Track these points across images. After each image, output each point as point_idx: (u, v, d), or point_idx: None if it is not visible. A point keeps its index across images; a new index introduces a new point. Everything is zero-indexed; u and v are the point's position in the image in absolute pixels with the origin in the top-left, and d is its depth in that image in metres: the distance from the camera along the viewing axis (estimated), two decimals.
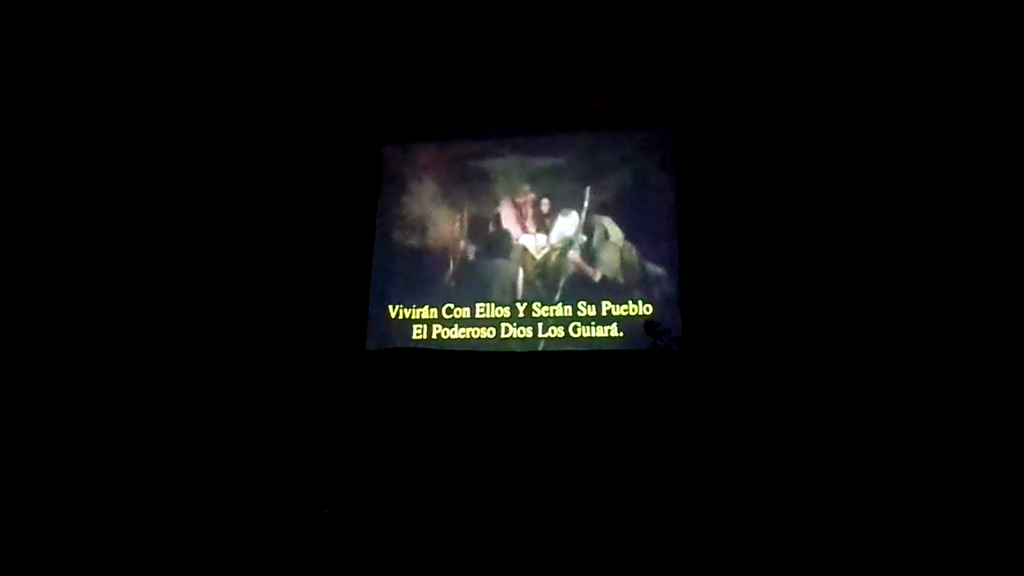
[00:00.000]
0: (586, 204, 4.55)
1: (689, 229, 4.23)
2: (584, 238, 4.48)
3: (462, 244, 4.63)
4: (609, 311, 4.33)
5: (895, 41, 4.12)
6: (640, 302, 4.29)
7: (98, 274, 4.19)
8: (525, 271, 4.49)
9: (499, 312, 4.44)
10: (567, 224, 4.53)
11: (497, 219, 4.64)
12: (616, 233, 4.46)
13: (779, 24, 4.39)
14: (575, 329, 4.31)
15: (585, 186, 4.57)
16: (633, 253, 4.41)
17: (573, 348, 4.27)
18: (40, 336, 3.93)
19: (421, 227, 4.71)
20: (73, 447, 3.70)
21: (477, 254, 4.58)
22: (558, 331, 4.32)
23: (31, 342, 3.90)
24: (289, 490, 3.68)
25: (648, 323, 3.79)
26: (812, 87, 4.24)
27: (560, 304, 4.37)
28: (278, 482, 3.71)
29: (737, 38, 4.46)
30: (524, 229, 4.59)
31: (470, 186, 4.73)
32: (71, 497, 3.53)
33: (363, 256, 4.64)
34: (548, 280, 4.45)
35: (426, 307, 4.49)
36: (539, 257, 4.51)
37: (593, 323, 4.32)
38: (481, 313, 4.45)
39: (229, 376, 4.09)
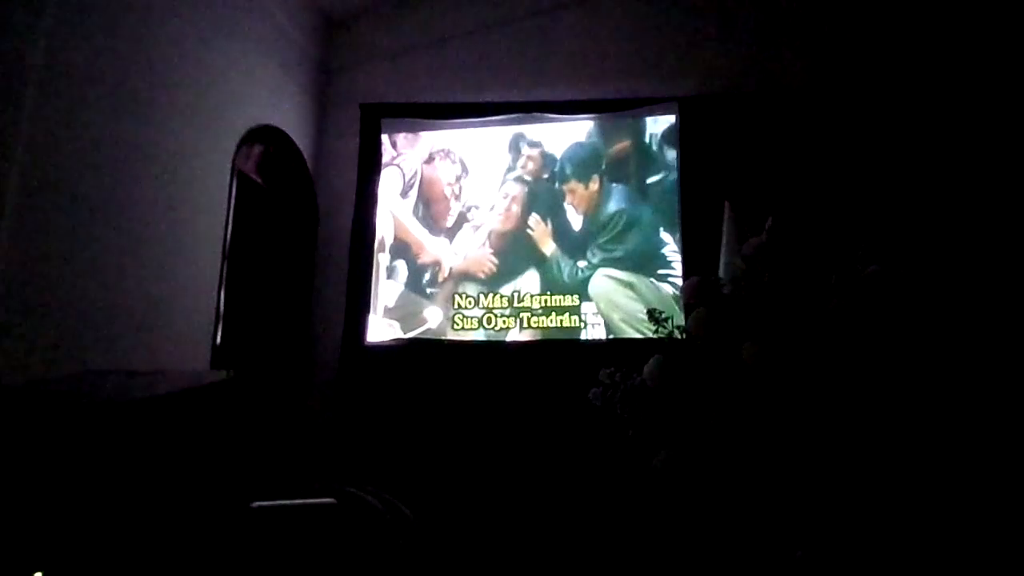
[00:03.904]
0: (596, 187, 4.51)
1: (692, 214, 4.18)
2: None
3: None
4: None
5: (898, 28, 4.08)
6: None
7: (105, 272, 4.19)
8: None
9: None
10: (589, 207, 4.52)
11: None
12: (633, 216, 4.43)
13: (782, 9, 4.35)
14: None
15: (594, 173, 4.54)
16: (645, 236, 4.39)
17: None
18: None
19: (427, 220, 4.69)
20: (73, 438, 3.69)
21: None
22: None
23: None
24: (292, 481, 3.66)
25: (650, 310, 3.74)
26: (814, 74, 4.20)
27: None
28: (281, 473, 3.69)
29: (739, 24, 4.42)
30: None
31: (477, 175, 4.71)
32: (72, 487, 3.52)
33: (362, 252, 4.63)
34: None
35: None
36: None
37: None
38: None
39: (230, 375, 4.08)
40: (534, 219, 4.54)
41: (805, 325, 2.17)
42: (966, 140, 3.84)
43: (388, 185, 4.76)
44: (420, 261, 4.62)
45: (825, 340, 2.13)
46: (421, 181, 4.75)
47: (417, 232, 4.66)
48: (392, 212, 4.72)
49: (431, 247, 4.62)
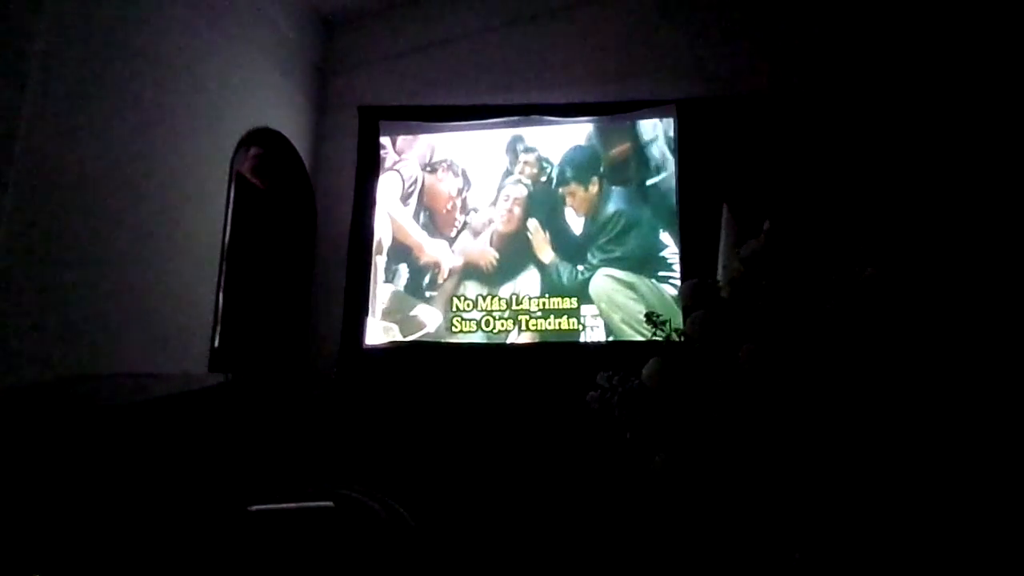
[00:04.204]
0: (596, 189, 4.51)
1: (690, 216, 4.19)
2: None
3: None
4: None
5: (896, 30, 4.09)
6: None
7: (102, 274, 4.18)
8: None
9: None
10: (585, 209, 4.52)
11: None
12: (632, 218, 4.43)
13: (780, 12, 4.36)
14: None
15: (593, 176, 4.53)
16: (645, 238, 4.39)
17: None
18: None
19: (428, 227, 4.68)
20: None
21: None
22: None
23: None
24: (289, 484, 3.66)
25: (648, 313, 3.75)
26: (812, 76, 4.20)
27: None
28: (279, 476, 3.69)
29: (738, 27, 4.42)
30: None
31: (478, 181, 4.70)
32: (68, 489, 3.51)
33: (360, 255, 4.63)
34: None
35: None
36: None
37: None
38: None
39: (228, 378, 4.08)
40: (533, 225, 4.54)
41: (803, 328, 2.17)
42: (965, 142, 3.84)
43: (387, 189, 4.76)
44: (419, 263, 4.62)
45: (823, 343, 2.13)
46: (423, 191, 4.75)
47: (416, 234, 4.66)
48: (391, 215, 4.72)
49: (430, 249, 4.62)
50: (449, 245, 4.61)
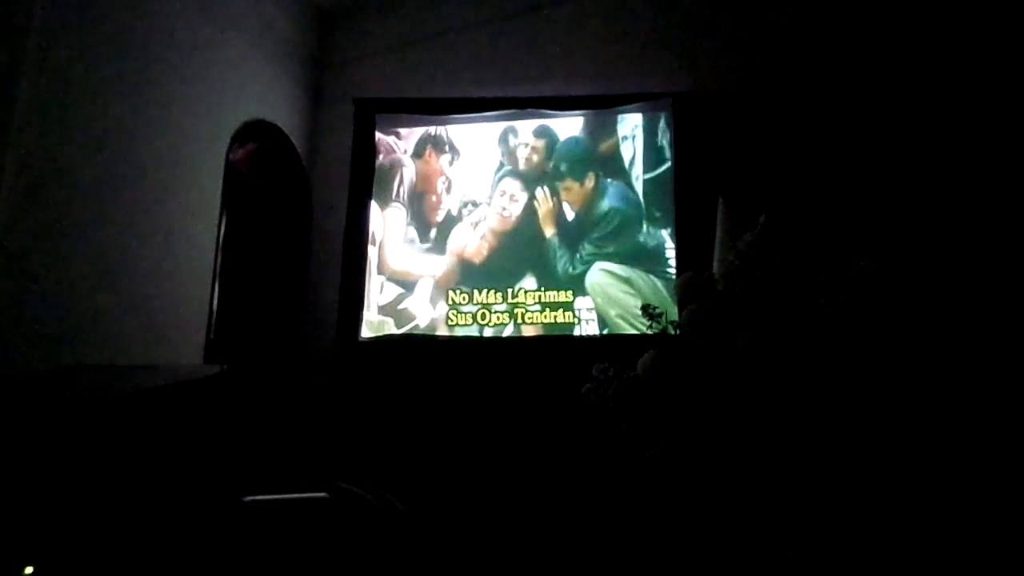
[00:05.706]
0: (591, 184, 4.51)
1: (686, 210, 4.19)
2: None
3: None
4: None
5: (894, 24, 4.09)
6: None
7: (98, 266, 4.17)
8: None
9: None
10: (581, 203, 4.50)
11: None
12: (627, 212, 4.41)
13: (777, 5, 4.35)
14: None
15: (588, 170, 4.53)
16: (640, 232, 4.37)
17: None
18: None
19: (419, 217, 4.68)
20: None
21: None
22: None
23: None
24: (285, 476, 3.66)
25: (644, 306, 3.76)
26: (809, 70, 4.20)
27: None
28: (274, 468, 3.69)
29: (734, 20, 4.42)
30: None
31: (471, 170, 4.69)
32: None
33: (355, 248, 4.62)
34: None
35: None
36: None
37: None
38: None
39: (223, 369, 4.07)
40: (541, 194, 4.53)
41: (798, 321, 2.17)
42: (962, 137, 3.84)
43: (380, 181, 4.75)
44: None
45: (817, 336, 2.13)
46: (414, 176, 4.74)
47: (408, 255, 4.65)
48: (382, 209, 4.71)
49: (417, 266, 4.62)
50: (442, 239, 4.60)
